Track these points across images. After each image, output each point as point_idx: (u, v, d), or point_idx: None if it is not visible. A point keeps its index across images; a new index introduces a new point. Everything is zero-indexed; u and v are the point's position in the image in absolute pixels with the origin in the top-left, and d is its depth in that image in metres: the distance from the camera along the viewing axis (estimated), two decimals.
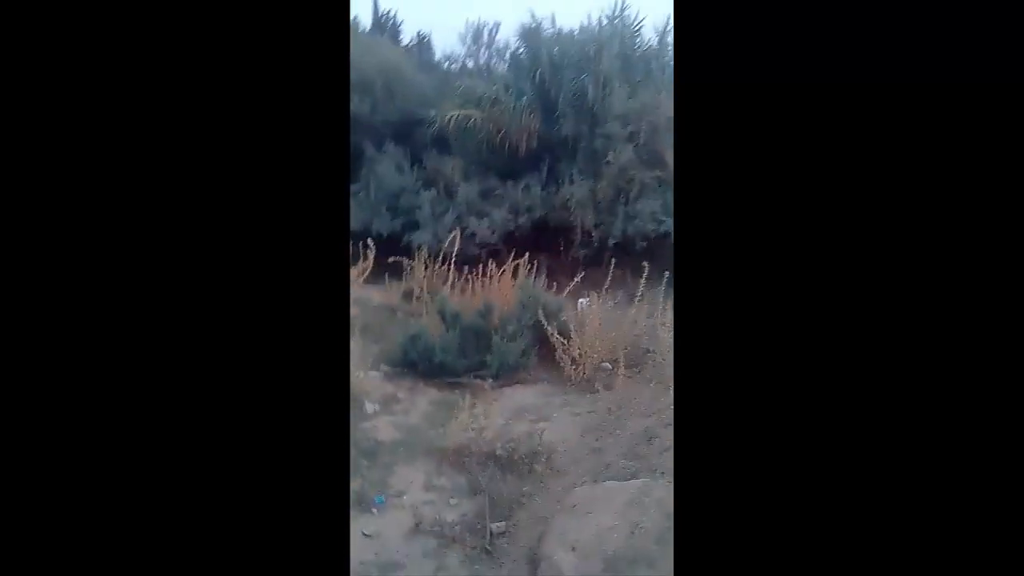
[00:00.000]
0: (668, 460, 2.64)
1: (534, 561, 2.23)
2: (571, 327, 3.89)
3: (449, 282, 4.63)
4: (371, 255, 4.62)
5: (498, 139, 5.77)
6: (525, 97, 5.90)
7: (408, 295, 4.85)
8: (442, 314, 4.17)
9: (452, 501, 2.82)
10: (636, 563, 1.99)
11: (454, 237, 4.84)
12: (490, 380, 3.83)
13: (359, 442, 3.20)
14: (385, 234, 5.50)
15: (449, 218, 5.47)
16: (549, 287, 4.63)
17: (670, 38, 6.12)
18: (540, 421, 3.39)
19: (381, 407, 3.60)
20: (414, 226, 5.53)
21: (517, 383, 3.87)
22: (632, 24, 6.06)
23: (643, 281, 3.93)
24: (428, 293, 4.59)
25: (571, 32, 6.34)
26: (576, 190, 5.42)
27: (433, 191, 5.73)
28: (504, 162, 5.84)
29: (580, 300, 4.45)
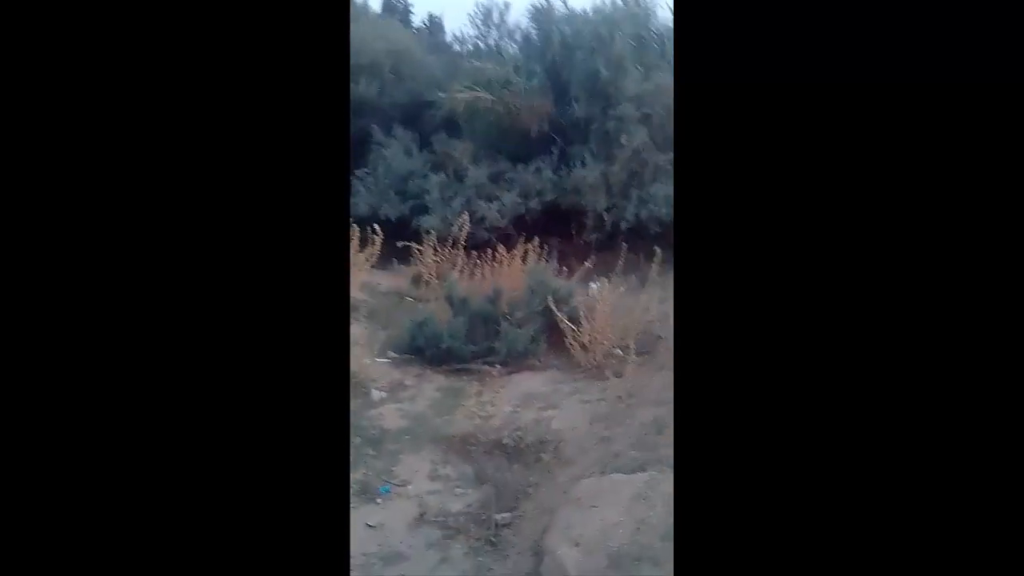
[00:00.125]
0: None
1: (539, 554, 2.18)
2: (581, 313, 3.82)
3: (458, 267, 4.57)
4: (378, 240, 4.56)
5: (508, 121, 5.67)
6: (536, 79, 5.79)
7: (417, 280, 4.80)
8: (450, 299, 4.12)
9: (457, 491, 2.78)
10: (641, 560, 1.93)
11: (463, 221, 4.77)
12: (498, 366, 3.77)
13: (365, 430, 3.16)
14: (394, 218, 5.45)
15: (458, 202, 5.39)
16: (560, 272, 4.56)
17: None
18: (548, 409, 3.33)
19: (388, 394, 3.56)
20: (423, 210, 5.46)
21: (526, 369, 3.81)
22: (646, 4, 5.91)
23: (655, 266, 3.85)
24: (437, 278, 4.53)
25: (584, 12, 6.21)
26: (588, 173, 5.31)
27: (442, 175, 5.65)
28: (515, 145, 5.75)
29: (591, 284, 4.37)
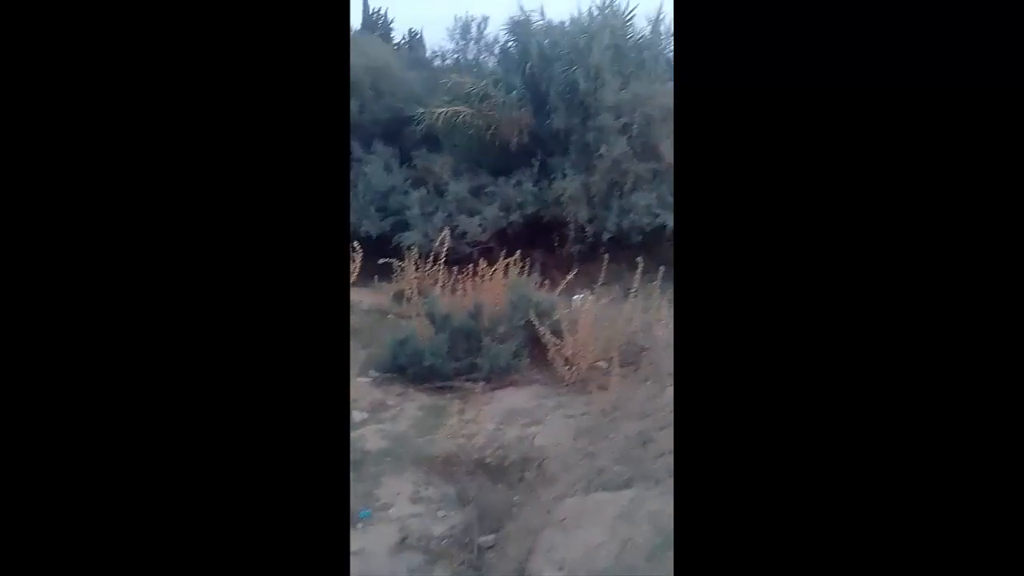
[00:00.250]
0: (662, 466, 2.53)
1: None
2: (564, 326, 3.77)
3: (439, 283, 4.52)
4: (358, 258, 4.51)
5: (488, 135, 5.65)
6: (515, 91, 5.78)
7: (399, 297, 4.74)
8: (431, 316, 4.07)
9: (440, 513, 2.71)
10: None
11: (444, 236, 4.73)
12: (481, 383, 3.72)
13: None
14: (375, 235, 5.40)
15: (439, 217, 5.35)
16: (543, 284, 4.52)
17: (663, 27, 6.01)
18: (532, 425, 3.28)
19: (369, 415, 3.49)
20: (404, 226, 5.42)
21: (509, 385, 3.76)
22: (623, 14, 5.93)
23: (637, 276, 3.82)
24: (419, 294, 4.48)
25: (561, 24, 6.22)
26: (569, 184, 5.30)
27: (423, 190, 5.62)
28: (495, 158, 5.73)
29: (574, 297, 4.34)
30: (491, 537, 2.51)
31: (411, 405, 3.61)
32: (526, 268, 4.57)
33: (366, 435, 3.27)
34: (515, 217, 5.44)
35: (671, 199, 5.04)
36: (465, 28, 7.42)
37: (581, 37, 5.66)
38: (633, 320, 3.86)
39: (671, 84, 5.04)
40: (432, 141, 5.91)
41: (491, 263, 4.47)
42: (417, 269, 4.68)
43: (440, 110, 5.63)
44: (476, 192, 5.61)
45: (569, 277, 4.24)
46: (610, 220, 5.20)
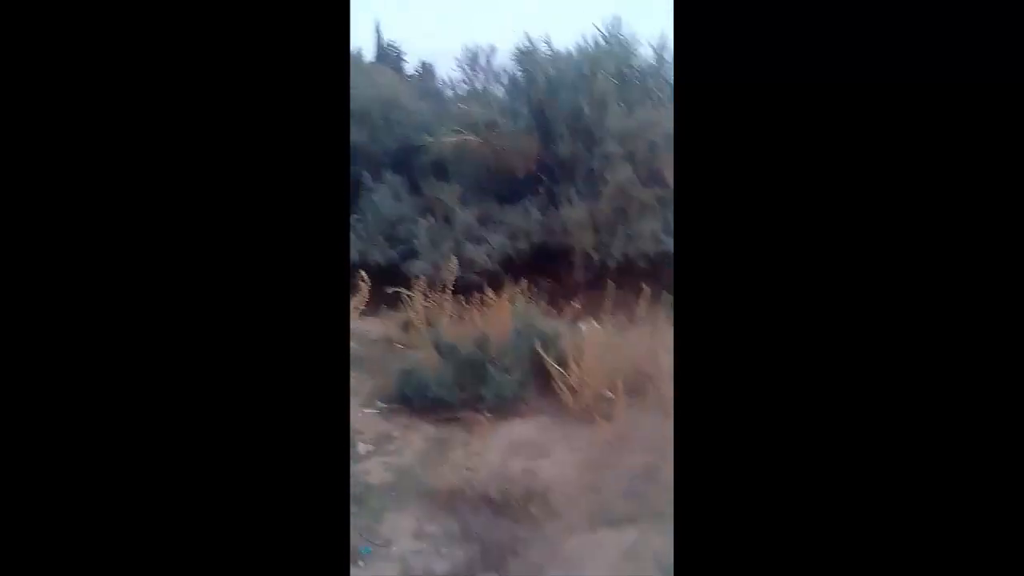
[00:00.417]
0: (667, 500, 2.49)
1: None
2: (569, 355, 3.75)
3: (447, 312, 4.52)
4: (365, 287, 4.53)
5: (495, 163, 5.69)
6: (522, 120, 5.83)
7: (407, 326, 4.74)
8: (437, 346, 4.06)
9: (443, 550, 2.68)
10: None
11: (452, 265, 4.74)
12: (487, 414, 3.70)
13: (349, 487, 3.08)
14: (383, 264, 5.43)
15: (447, 246, 5.37)
16: (550, 312, 4.50)
17: (667, 54, 6.03)
18: (537, 458, 3.25)
19: (374, 447, 3.48)
20: (412, 255, 5.44)
21: (515, 416, 3.73)
22: (627, 42, 5.98)
23: (641, 303, 3.80)
24: (427, 324, 4.48)
25: (567, 52, 6.28)
26: (575, 212, 5.31)
27: (431, 219, 5.65)
28: (502, 186, 5.76)
29: (580, 325, 4.32)
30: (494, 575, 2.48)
31: (416, 436, 3.59)
32: (532, 296, 4.56)
33: (370, 469, 3.26)
34: (522, 245, 5.45)
35: None
36: (473, 58, 7.52)
37: (586, 65, 5.71)
38: (638, 347, 3.84)
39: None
40: (440, 170, 5.96)
41: (497, 291, 4.48)
42: (425, 298, 4.69)
43: (448, 139, 5.69)
44: (483, 220, 5.63)
45: (575, 305, 4.23)
46: (615, 247, 5.19)
